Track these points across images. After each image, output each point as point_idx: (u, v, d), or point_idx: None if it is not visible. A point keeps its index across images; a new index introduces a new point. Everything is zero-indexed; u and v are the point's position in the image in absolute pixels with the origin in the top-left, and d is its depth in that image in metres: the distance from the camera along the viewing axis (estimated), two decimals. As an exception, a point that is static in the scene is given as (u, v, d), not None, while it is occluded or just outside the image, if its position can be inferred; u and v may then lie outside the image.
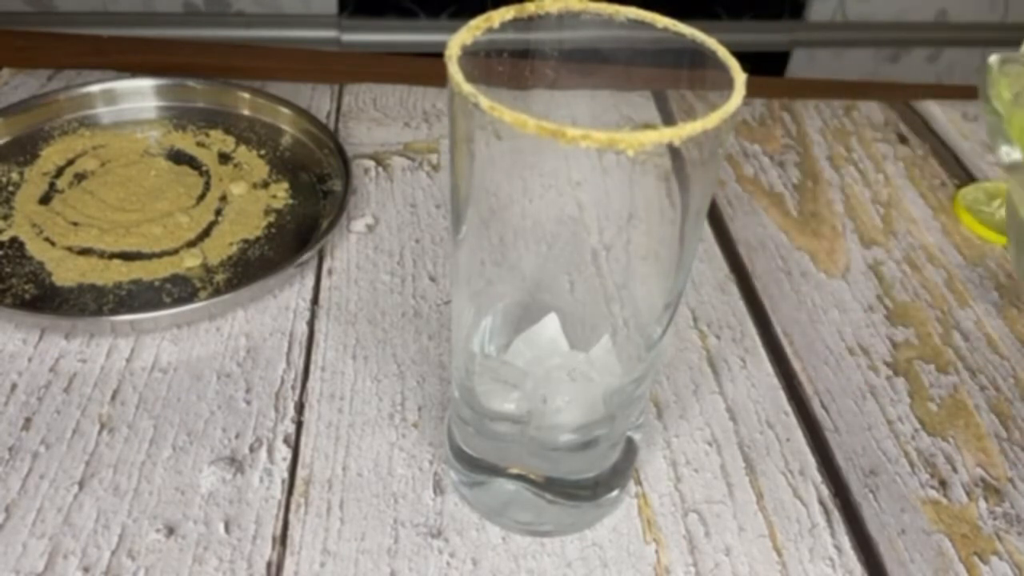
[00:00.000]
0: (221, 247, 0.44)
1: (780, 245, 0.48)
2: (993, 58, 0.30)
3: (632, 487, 0.35)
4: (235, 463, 0.34)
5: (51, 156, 0.48)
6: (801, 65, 0.86)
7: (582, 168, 0.24)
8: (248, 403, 0.37)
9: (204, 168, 0.49)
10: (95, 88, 0.52)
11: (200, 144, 0.51)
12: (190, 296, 0.41)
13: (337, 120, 0.55)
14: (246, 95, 0.53)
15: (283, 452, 0.35)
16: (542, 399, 0.29)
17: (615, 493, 0.33)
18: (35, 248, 0.43)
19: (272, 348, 0.39)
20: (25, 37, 0.63)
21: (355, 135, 0.54)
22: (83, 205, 0.45)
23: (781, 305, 0.44)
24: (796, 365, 0.41)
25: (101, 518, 0.32)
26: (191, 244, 0.44)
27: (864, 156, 0.57)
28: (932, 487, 0.36)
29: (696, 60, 0.26)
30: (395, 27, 0.78)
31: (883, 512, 0.35)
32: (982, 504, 0.35)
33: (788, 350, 0.41)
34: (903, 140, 0.59)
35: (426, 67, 0.62)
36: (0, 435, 0.34)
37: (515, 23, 0.26)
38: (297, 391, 0.37)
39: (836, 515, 0.34)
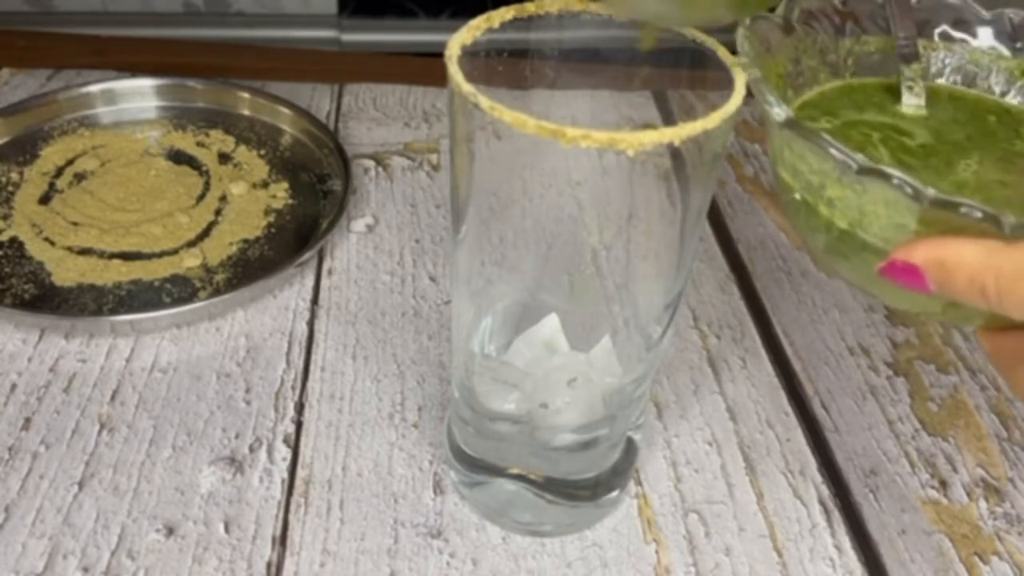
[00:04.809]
0: (221, 247, 0.44)
1: (780, 245, 0.48)
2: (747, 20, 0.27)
3: (632, 487, 0.35)
4: (235, 463, 0.34)
5: (51, 156, 0.48)
6: (801, 65, 0.86)
7: (582, 168, 0.24)
8: (248, 403, 0.37)
9: (204, 168, 0.49)
10: (95, 88, 0.52)
11: (200, 144, 0.50)
12: (190, 296, 0.41)
13: (337, 120, 0.55)
14: (246, 95, 0.53)
15: (283, 452, 0.35)
16: (542, 401, 0.29)
17: (615, 493, 0.33)
18: (35, 248, 0.42)
19: (272, 348, 0.39)
20: (25, 37, 0.62)
21: (355, 135, 0.54)
22: (83, 205, 0.45)
23: (781, 305, 0.44)
24: (796, 365, 0.41)
25: (101, 518, 0.32)
26: (191, 244, 0.44)
27: (864, 156, 0.57)
28: (932, 487, 0.36)
29: (696, 60, 0.26)
30: (395, 27, 0.77)
31: (883, 512, 0.35)
32: (982, 504, 0.35)
33: (788, 350, 0.41)
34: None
35: (426, 67, 0.62)
36: (0, 435, 0.34)
37: (515, 23, 0.26)
38: (297, 391, 0.37)
39: (836, 515, 0.34)
